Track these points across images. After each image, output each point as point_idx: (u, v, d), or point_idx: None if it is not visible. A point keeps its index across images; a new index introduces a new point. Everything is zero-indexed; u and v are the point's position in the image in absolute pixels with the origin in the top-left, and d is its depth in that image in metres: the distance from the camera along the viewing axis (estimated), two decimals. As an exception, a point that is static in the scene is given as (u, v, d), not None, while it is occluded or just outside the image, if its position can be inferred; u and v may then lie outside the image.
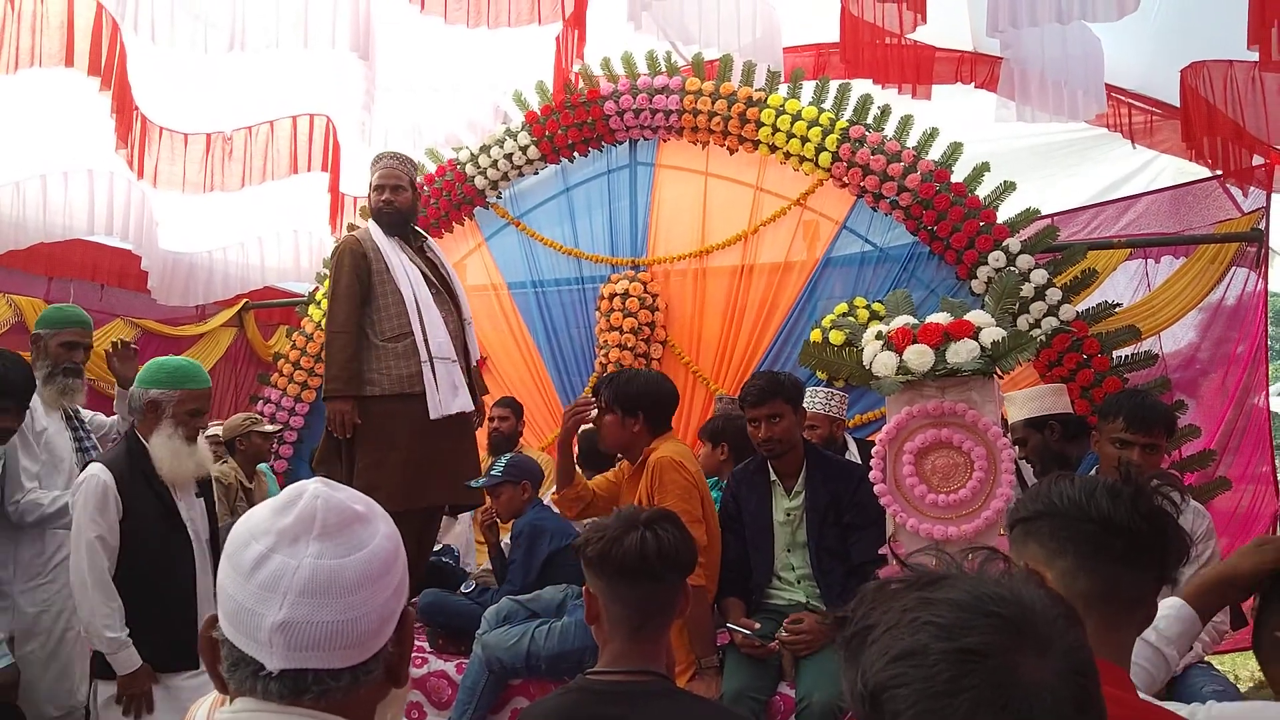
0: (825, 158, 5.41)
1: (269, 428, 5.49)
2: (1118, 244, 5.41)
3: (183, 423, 3.20)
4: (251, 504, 4.95)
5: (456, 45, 5.11)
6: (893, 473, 3.06)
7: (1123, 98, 5.43)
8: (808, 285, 5.72)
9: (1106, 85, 4.81)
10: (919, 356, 2.93)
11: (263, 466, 5.98)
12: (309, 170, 5.65)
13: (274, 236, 6.75)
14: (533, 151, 6.26)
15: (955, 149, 5.23)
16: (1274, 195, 5.16)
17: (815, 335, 5.47)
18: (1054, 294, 4.96)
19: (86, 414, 4.00)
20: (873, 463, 3.10)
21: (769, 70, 5.49)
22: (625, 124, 6.02)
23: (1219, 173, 5.02)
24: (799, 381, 3.54)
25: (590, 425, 3.63)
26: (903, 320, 3.05)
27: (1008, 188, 5.17)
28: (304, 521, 1.07)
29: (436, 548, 4.67)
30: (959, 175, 5.22)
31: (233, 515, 4.63)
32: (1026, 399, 4.01)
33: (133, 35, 4.16)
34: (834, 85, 5.53)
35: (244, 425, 5.41)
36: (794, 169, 5.65)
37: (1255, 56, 3.68)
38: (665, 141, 6.10)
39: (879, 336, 3.06)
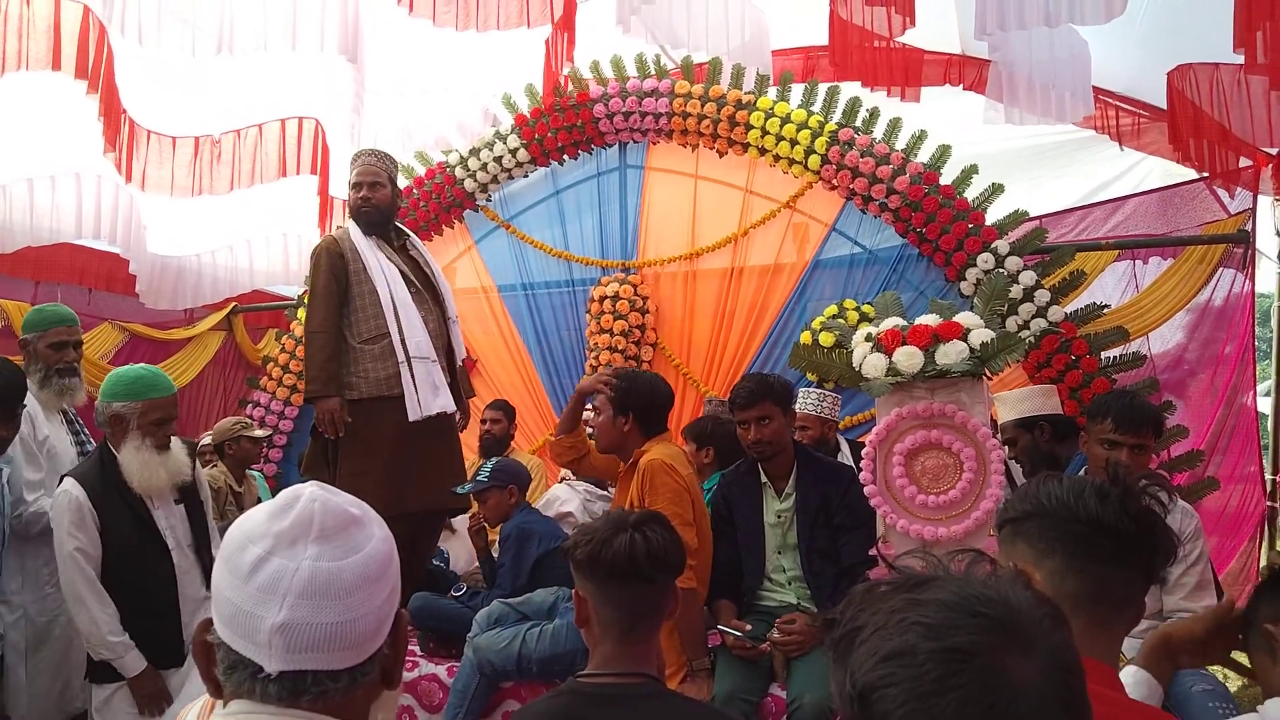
0: (814, 160, 5.43)
1: (259, 433, 5.47)
2: (1106, 245, 5.44)
3: (149, 432, 3.17)
4: (241, 508, 4.95)
5: (445, 48, 5.10)
6: (883, 474, 3.07)
7: (1110, 100, 5.45)
8: (797, 287, 5.73)
9: (1094, 88, 4.83)
10: (908, 358, 2.94)
11: (251, 471, 5.96)
12: (298, 173, 5.64)
13: (263, 240, 6.73)
14: (522, 154, 6.26)
15: (944, 151, 5.25)
16: (1260, 197, 5.19)
17: (805, 337, 5.47)
18: (1042, 295, 4.98)
19: None
20: (863, 464, 3.11)
21: (758, 73, 5.51)
22: (615, 127, 6.03)
23: (1206, 174, 5.05)
24: (788, 383, 3.55)
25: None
26: (892, 322, 3.06)
27: (996, 190, 5.19)
28: (302, 525, 1.08)
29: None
30: (947, 177, 5.24)
31: (222, 520, 4.60)
32: (1016, 400, 4.02)
33: (120, 38, 4.15)
34: (823, 88, 5.55)
35: (233, 430, 5.39)
36: (783, 171, 5.66)
37: (1241, 59, 3.70)
38: (655, 144, 6.11)
39: (868, 338, 3.07)
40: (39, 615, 3.51)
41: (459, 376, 4.38)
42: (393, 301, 4.01)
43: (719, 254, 5.95)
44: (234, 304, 7.10)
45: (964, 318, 3.00)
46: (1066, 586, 1.39)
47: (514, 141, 6.24)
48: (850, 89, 5.33)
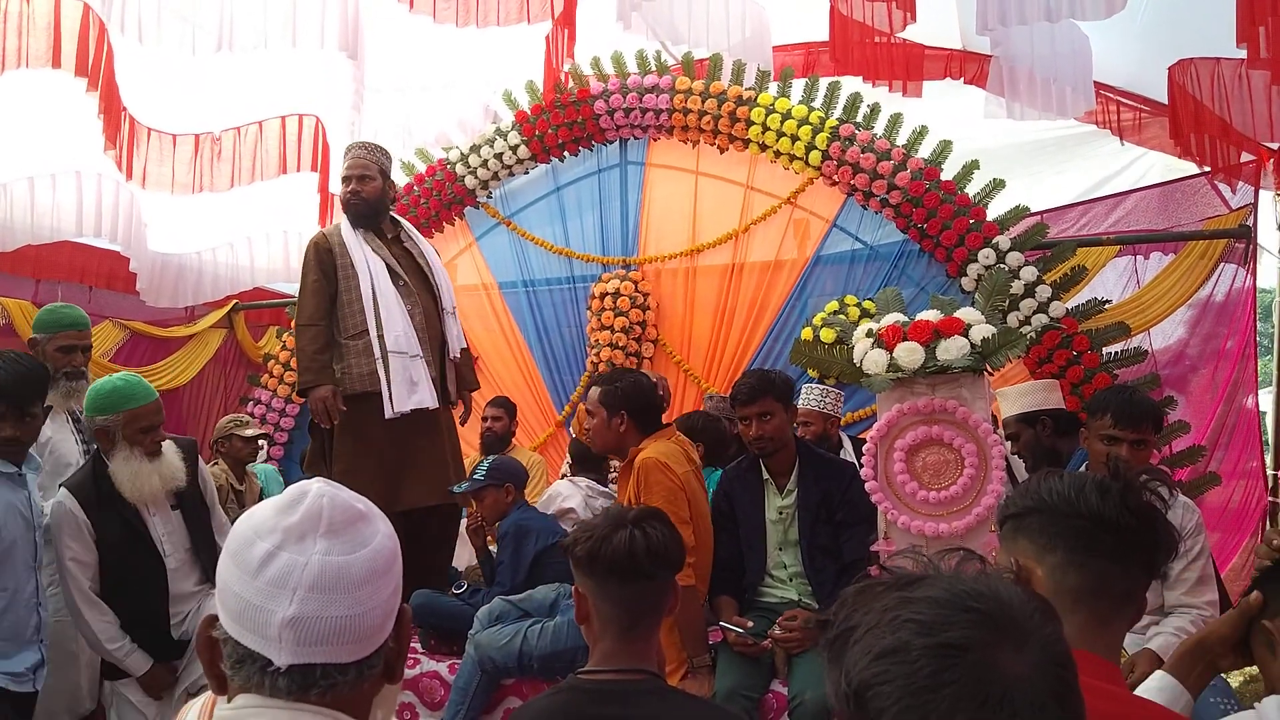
0: (815, 156, 5.43)
1: (249, 431, 5.41)
2: (1107, 241, 5.43)
3: (136, 441, 3.18)
4: (243, 506, 4.95)
5: (446, 44, 5.10)
6: (884, 470, 3.07)
7: (1111, 95, 5.44)
8: (798, 283, 5.73)
9: (1095, 83, 4.82)
10: (909, 354, 2.93)
11: (267, 468, 5.97)
12: (298, 170, 5.63)
13: (263, 237, 6.72)
14: (523, 151, 6.25)
15: (945, 147, 5.25)
16: (1262, 191, 5.18)
17: (806, 333, 5.47)
18: (1044, 291, 4.97)
19: None
20: (864, 460, 3.11)
21: (759, 69, 5.51)
22: (615, 123, 6.02)
23: (1207, 169, 5.04)
24: (789, 379, 3.55)
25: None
26: (893, 318, 3.05)
27: (997, 185, 5.19)
28: (311, 519, 1.10)
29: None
30: (949, 173, 5.24)
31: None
32: (1019, 394, 4.02)
33: (120, 36, 4.14)
34: (823, 83, 5.54)
35: (226, 428, 5.40)
36: (784, 167, 5.66)
37: (1242, 53, 3.70)
38: (655, 141, 6.11)
39: (870, 334, 3.07)
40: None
41: (460, 369, 4.33)
42: (373, 295, 3.97)
43: (720, 250, 5.95)
44: (235, 301, 7.10)
45: (965, 313, 2.99)
46: (1068, 582, 1.39)
47: (514, 138, 6.24)
48: (851, 84, 5.32)
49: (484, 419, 5.32)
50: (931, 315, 3.01)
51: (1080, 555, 1.40)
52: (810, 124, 5.45)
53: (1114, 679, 1.35)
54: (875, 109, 5.41)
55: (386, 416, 3.87)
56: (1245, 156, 4.90)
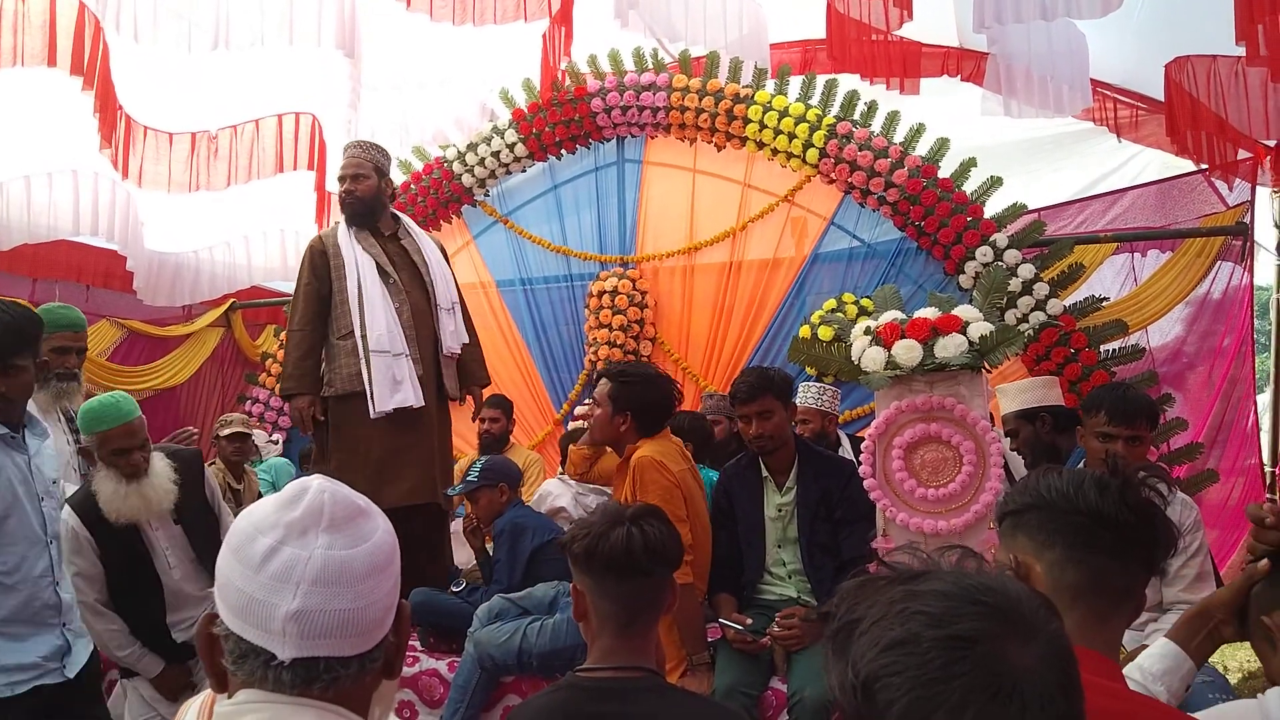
0: (813, 154, 5.43)
1: (226, 431, 5.35)
2: (1104, 238, 5.44)
3: (110, 463, 3.15)
4: (240, 505, 4.94)
5: (443, 43, 5.10)
6: (882, 467, 3.07)
7: (1108, 92, 5.44)
8: (796, 281, 5.73)
9: (1092, 80, 4.82)
10: (907, 351, 2.93)
11: (278, 461, 5.96)
12: (295, 169, 5.62)
13: (260, 236, 6.72)
14: (520, 149, 6.25)
15: (942, 144, 5.25)
16: (1259, 188, 5.19)
17: (804, 331, 5.48)
18: (1041, 288, 4.98)
19: None
20: (862, 458, 3.11)
21: (755, 66, 5.50)
22: (613, 121, 6.02)
23: (1204, 167, 5.04)
24: (788, 377, 3.54)
25: (580, 422, 3.64)
26: (891, 315, 3.05)
27: (995, 183, 5.19)
28: (313, 514, 1.11)
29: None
30: (946, 170, 5.24)
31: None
32: (1018, 391, 4.02)
33: (115, 34, 4.13)
34: (821, 81, 5.54)
35: (214, 430, 5.40)
36: (781, 165, 5.66)
37: (1239, 51, 3.70)
38: (653, 138, 6.11)
39: (867, 332, 3.07)
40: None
41: (466, 364, 4.34)
42: (359, 295, 3.98)
43: (717, 248, 5.95)
44: (232, 300, 7.09)
45: (963, 311, 2.99)
46: (1066, 578, 1.39)
47: (512, 136, 6.23)
48: (848, 82, 5.32)
49: (481, 420, 5.32)
50: (929, 313, 3.01)
51: (1079, 551, 1.40)
52: (807, 122, 5.45)
53: (1113, 676, 1.36)
54: (872, 106, 5.41)
55: (371, 416, 3.88)
56: (1242, 154, 4.90)
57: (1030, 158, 6.00)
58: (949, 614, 0.83)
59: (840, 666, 0.88)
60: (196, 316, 7.04)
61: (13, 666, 2.68)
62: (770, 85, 5.66)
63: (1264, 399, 5.59)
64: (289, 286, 7.06)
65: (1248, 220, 5.20)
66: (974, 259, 5.08)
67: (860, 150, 5.30)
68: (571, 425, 5.12)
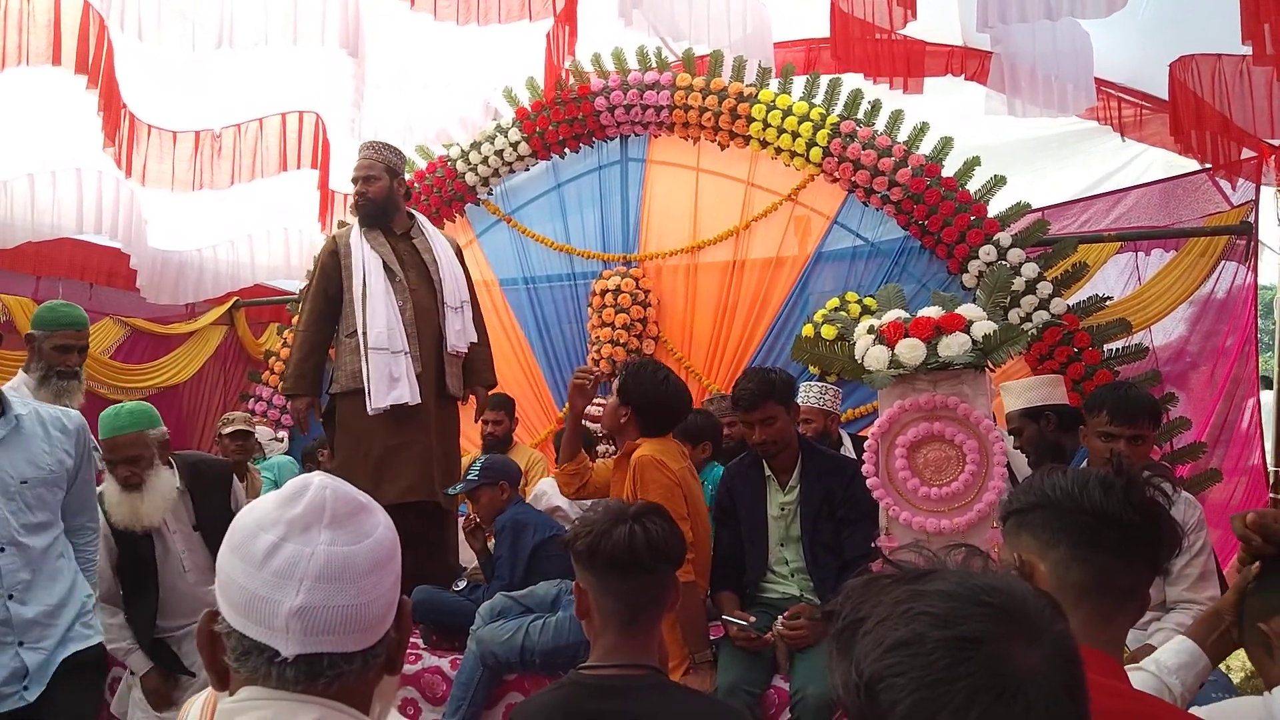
0: (816, 153, 5.42)
1: (227, 430, 5.36)
2: (1108, 237, 5.43)
3: (112, 471, 3.30)
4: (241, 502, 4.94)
5: (447, 42, 5.09)
6: (885, 466, 3.07)
7: (1112, 91, 5.43)
8: (799, 280, 5.73)
9: (1096, 79, 4.82)
10: (911, 350, 2.93)
11: (282, 460, 5.96)
12: (298, 168, 5.64)
13: (264, 234, 6.74)
14: (524, 148, 6.25)
15: (946, 143, 5.24)
16: (1263, 188, 5.18)
17: (807, 330, 5.48)
18: (1045, 287, 4.97)
19: None
20: (865, 456, 3.11)
21: (759, 65, 5.50)
22: (616, 120, 6.02)
23: (1208, 166, 5.04)
24: (790, 379, 3.52)
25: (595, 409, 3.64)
26: (894, 314, 3.05)
27: (998, 182, 5.18)
28: (315, 511, 1.11)
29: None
30: (950, 169, 5.24)
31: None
32: (1023, 389, 4.01)
33: (120, 33, 4.14)
34: (824, 80, 5.53)
35: (218, 427, 5.41)
36: (785, 164, 5.65)
37: (1245, 50, 3.69)
38: (656, 137, 6.10)
39: (871, 331, 3.06)
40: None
41: (472, 363, 4.36)
42: (363, 294, 4.04)
43: (720, 247, 5.95)
44: (235, 298, 7.10)
45: (967, 310, 2.99)
46: (1071, 577, 1.39)
47: (515, 135, 6.23)
48: (852, 81, 5.32)
49: (484, 422, 5.31)
50: (933, 312, 3.00)
51: (1083, 551, 1.40)
52: (811, 120, 5.45)
53: (1117, 675, 1.35)
54: (876, 105, 5.41)
55: (369, 412, 3.95)
56: (1246, 153, 4.90)
57: (1034, 157, 6.00)
58: (954, 614, 0.83)
59: (844, 666, 0.87)
60: (199, 315, 7.06)
61: None
62: (774, 84, 5.65)
63: (1268, 398, 5.58)
64: (292, 285, 7.11)
65: (1252, 220, 5.19)
66: (977, 258, 5.07)
67: (864, 149, 5.29)
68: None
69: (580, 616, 1.93)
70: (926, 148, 5.28)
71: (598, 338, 5.96)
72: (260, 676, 1.09)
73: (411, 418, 4.04)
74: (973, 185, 5.20)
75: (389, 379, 3.97)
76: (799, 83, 5.62)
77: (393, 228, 4.25)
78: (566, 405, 6.09)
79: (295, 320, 4.27)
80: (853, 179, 5.36)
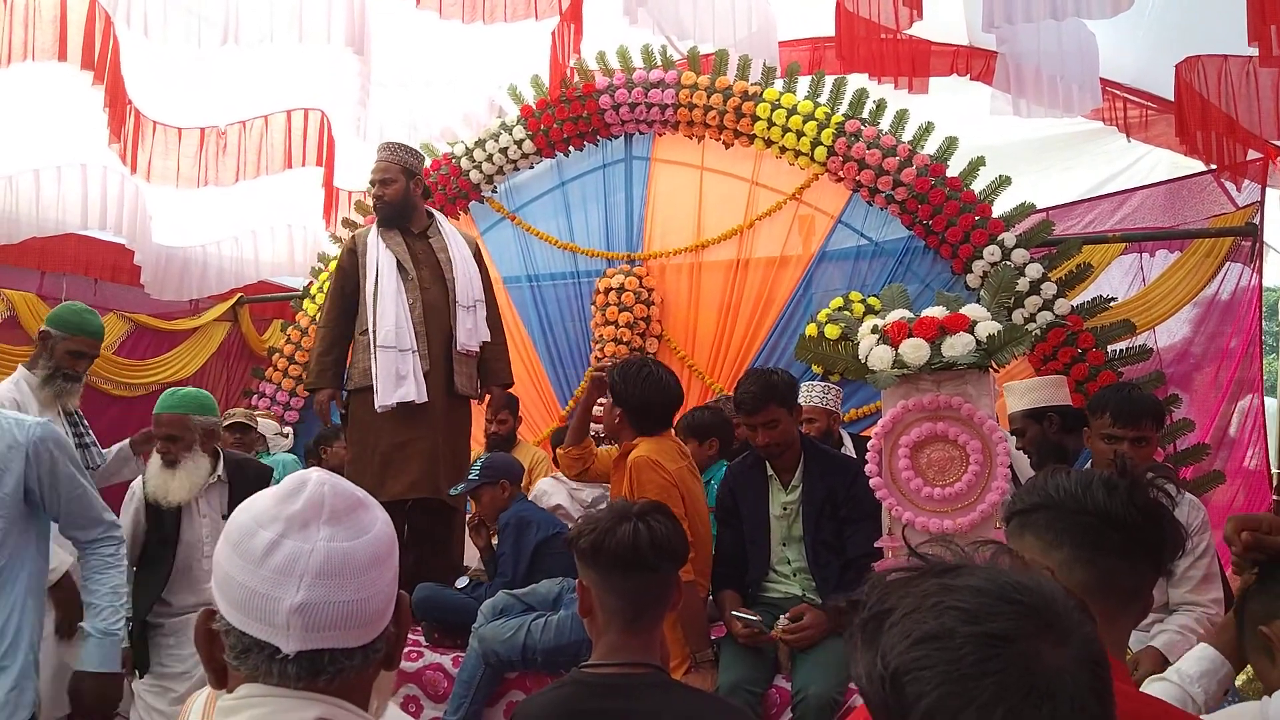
0: (821, 152, 5.42)
1: (226, 422, 5.36)
2: (1113, 238, 5.42)
3: (158, 449, 3.55)
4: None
5: (452, 39, 5.10)
6: (889, 466, 3.06)
7: (1118, 92, 5.43)
8: (803, 279, 5.73)
9: (1101, 80, 4.81)
10: (915, 350, 2.92)
11: (286, 457, 5.96)
12: (303, 165, 5.64)
13: (268, 231, 6.74)
14: (528, 145, 6.25)
15: (950, 143, 5.24)
16: (1269, 190, 5.16)
17: (811, 329, 5.47)
18: (1049, 288, 4.96)
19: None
20: (869, 456, 3.10)
21: (764, 64, 5.50)
22: (621, 118, 6.02)
23: (1214, 167, 5.02)
24: (792, 380, 3.51)
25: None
26: (898, 314, 3.05)
27: (1003, 182, 5.17)
28: (313, 507, 1.10)
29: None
30: (954, 169, 5.23)
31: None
32: (1026, 390, 4.01)
33: (126, 29, 4.15)
34: (829, 79, 5.53)
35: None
36: (789, 163, 5.65)
37: (1250, 51, 3.69)
38: (661, 136, 6.10)
39: (875, 330, 3.06)
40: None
41: (486, 362, 4.40)
42: (374, 292, 4.10)
43: (724, 246, 5.94)
44: (239, 295, 7.10)
45: (971, 310, 2.98)
46: (1074, 578, 1.39)
47: (520, 133, 6.23)
48: (857, 81, 5.32)
49: (488, 421, 5.30)
50: (937, 312, 3.00)
51: (1087, 552, 1.40)
52: (816, 120, 5.44)
53: (1123, 677, 1.35)
54: (881, 105, 5.40)
55: (376, 409, 4.01)
56: (1252, 154, 4.88)
57: (1039, 157, 5.98)
58: (983, 610, 0.82)
59: (869, 656, 0.87)
60: (204, 311, 7.05)
61: None
62: (779, 83, 5.65)
63: (1271, 400, 5.56)
64: (296, 281, 7.12)
65: (1257, 221, 5.17)
66: (982, 258, 5.07)
67: (869, 148, 5.29)
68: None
69: (583, 614, 1.93)
70: (931, 147, 5.27)
71: (601, 336, 5.96)
72: (261, 674, 1.09)
73: (419, 415, 4.08)
74: (977, 185, 5.19)
75: (395, 377, 4.02)
76: (804, 82, 5.62)
77: (410, 227, 4.30)
78: (575, 396, 6.12)
79: (316, 317, 4.35)
80: (857, 178, 5.36)
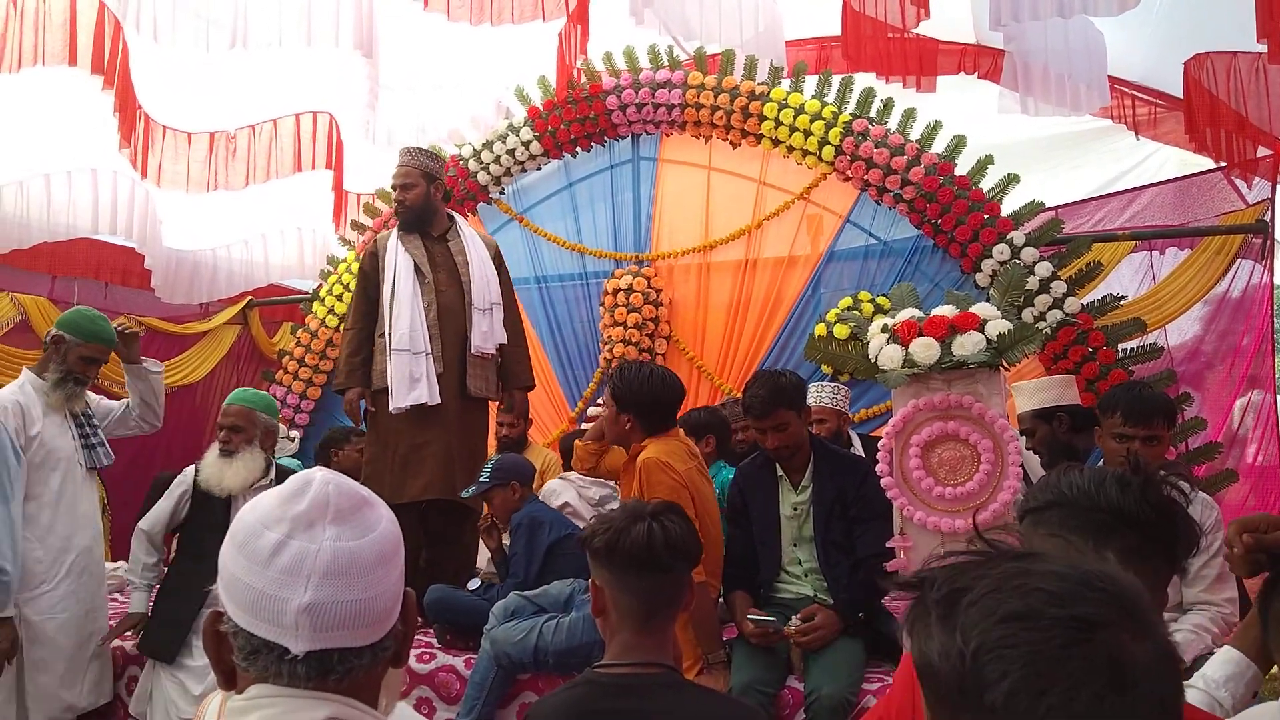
0: (828, 151, 5.41)
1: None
2: (1122, 236, 5.40)
3: (218, 437, 3.86)
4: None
5: (459, 41, 5.11)
6: (899, 466, 3.06)
7: (1126, 90, 5.41)
8: (812, 279, 5.72)
9: (1110, 77, 4.80)
10: (925, 349, 2.92)
11: (293, 462, 5.96)
12: (313, 168, 5.66)
13: (278, 234, 6.77)
14: (535, 147, 6.26)
15: (959, 142, 5.23)
16: (1279, 186, 5.14)
17: (820, 329, 5.46)
18: (1059, 287, 4.94)
19: (93, 398, 4.02)
20: (879, 456, 3.10)
21: (771, 64, 5.49)
22: (628, 118, 6.02)
23: (1223, 164, 5.00)
24: (800, 382, 3.49)
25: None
26: (908, 313, 3.05)
27: (1012, 180, 5.16)
28: (318, 507, 1.10)
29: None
30: (963, 168, 5.22)
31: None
32: (1035, 389, 4.00)
33: (135, 34, 4.16)
34: (837, 79, 5.52)
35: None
36: (797, 163, 5.65)
37: (1258, 47, 3.67)
38: (668, 136, 6.10)
39: (884, 330, 3.06)
40: (34, 614, 3.51)
41: (506, 364, 4.45)
42: (391, 296, 4.17)
43: (733, 246, 5.94)
44: (249, 298, 7.12)
45: (980, 309, 2.98)
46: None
47: (527, 134, 6.24)
48: (864, 80, 5.30)
49: (499, 424, 5.30)
50: (947, 311, 3.00)
51: (1101, 550, 1.39)
52: (823, 119, 5.44)
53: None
54: (888, 104, 5.40)
55: (391, 411, 4.08)
56: (1262, 151, 4.86)
57: (1048, 155, 5.97)
58: (1070, 595, 0.81)
59: (945, 634, 0.84)
60: (214, 314, 7.07)
61: None
62: (786, 83, 5.64)
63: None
64: (306, 285, 7.14)
65: (1268, 218, 5.14)
66: (991, 257, 5.06)
67: (876, 147, 5.28)
68: (585, 427, 5.12)
69: (596, 614, 1.93)
70: (939, 146, 5.26)
71: (610, 337, 5.96)
72: (271, 674, 1.09)
73: (433, 417, 4.14)
74: (986, 184, 5.18)
75: (409, 379, 4.07)
76: (811, 81, 5.62)
77: (430, 230, 4.36)
78: (584, 397, 6.12)
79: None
80: (865, 178, 5.35)
